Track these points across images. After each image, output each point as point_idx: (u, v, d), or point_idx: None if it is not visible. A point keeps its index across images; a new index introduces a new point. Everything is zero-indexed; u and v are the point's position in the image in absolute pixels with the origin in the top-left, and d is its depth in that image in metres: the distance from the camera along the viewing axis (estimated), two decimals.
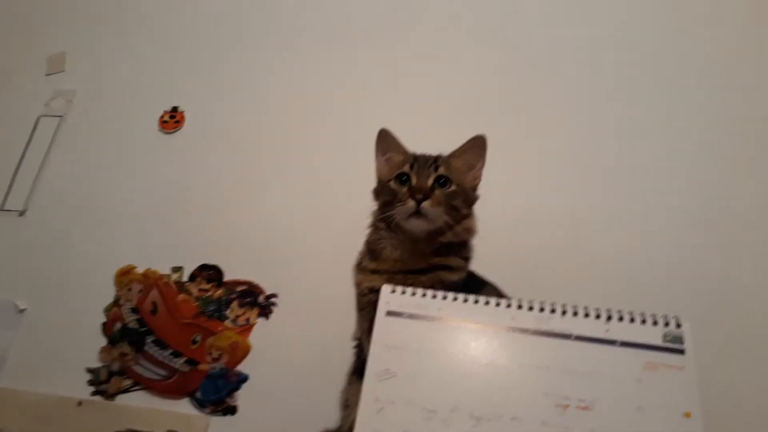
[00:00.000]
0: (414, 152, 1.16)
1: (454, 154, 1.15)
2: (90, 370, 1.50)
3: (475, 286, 1.10)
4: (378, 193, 1.17)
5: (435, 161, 1.12)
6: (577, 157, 1.53)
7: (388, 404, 0.90)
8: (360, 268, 1.14)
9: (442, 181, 1.09)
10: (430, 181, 1.08)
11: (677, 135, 1.51)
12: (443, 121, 1.59)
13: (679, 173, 1.47)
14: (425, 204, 1.04)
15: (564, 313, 0.96)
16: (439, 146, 1.15)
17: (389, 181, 1.13)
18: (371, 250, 1.13)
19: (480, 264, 1.14)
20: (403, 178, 1.10)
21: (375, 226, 1.14)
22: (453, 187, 1.10)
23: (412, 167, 1.10)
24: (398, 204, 1.06)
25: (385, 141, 1.18)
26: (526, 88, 1.65)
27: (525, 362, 0.92)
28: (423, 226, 1.06)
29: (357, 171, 1.52)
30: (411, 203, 1.04)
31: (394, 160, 1.16)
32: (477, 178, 1.16)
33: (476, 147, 1.15)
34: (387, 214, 1.08)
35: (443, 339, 0.95)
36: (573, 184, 1.50)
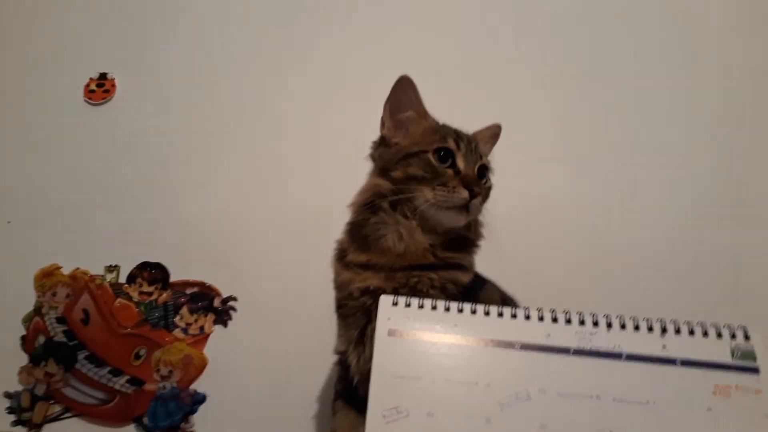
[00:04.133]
0: (444, 123, 0.97)
1: (478, 139, 0.98)
2: (8, 395, 1.27)
3: (474, 284, 0.92)
4: (394, 160, 0.93)
5: (477, 144, 0.94)
6: (593, 143, 1.40)
7: None
8: (344, 263, 0.92)
9: (482, 172, 0.93)
10: (476, 170, 0.91)
11: (703, 119, 1.41)
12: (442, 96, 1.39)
13: (708, 160, 1.36)
14: (476, 200, 0.87)
15: (610, 325, 0.80)
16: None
17: (424, 152, 0.90)
18: (362, 236, 0.91)
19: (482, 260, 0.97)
20: (441, 154, 0.89)
21: (373, 206, 0.90)
22: (490, 182, 0.95)
23: (457, 145, 0.90)
24: (440, 188, 0.86)
25: (407, 93, 0.95)
26: (541, 71, 1.49)
27: (568, 391, 0.75)
28: (462, 221, 0.89)
29: (333, 150, 1.35)
30: (464, 194, 0.85)
31: (421, 125, 0.96)
32: None
33: (495, 137, 1.02)
34: (414, 194, 0.87)
35: (465, 365, 0.77)
36: (587, 173, 1.37)
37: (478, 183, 0.88)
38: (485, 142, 0.99)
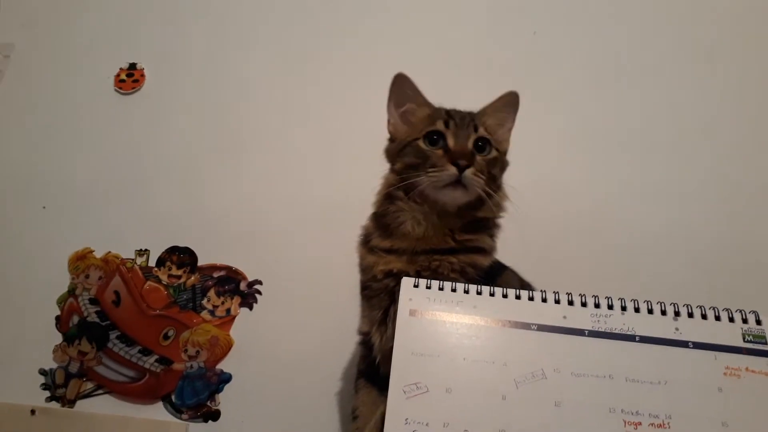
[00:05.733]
0: (442, 106, 0.99)
1: (487, 112, 0.99)
2: (43, 373, 1.31)
3: (494, 270, 0.94)
4: (395, 154, 0.98)
5: (472, 119, 0.95)
6: (610, 130, 1.40)
7: (419, 427, 0.74)
8: (369, 247, 0.96)
9: (481, 145, 0.94)
10: (470, 144, 0.92)
11: (720, 107, 1.40)
12: (453, 78, 1.41)
13: (722, 147, 1.35)
14: (468, 172, 0.88)
15: (624, 308, 0.82)
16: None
17: (415, 140, 0.94)
18: (384, 224, 0.95)
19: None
20: (434, 137, 0.93)
21: (389, 196, 0.95)
22: (493, 153, 0.94)
23: (446, 125, 0.93)
24: (431, 169, 0.89)
25: (403, 89, 0.99)
26: (553, 50, 1.50)
27: (582, 371, 0.77)
28: (460, 197, 0.90)
29: (356, 136, 1.38)
30: (451, 170, 0.88)
31: (418, 115, 0.99)
32: (507, 141, 1.02)
33: (509, 105, 1.01)
34: (412, 180, 0.90)
35: (483, 344, 0.79)
36: (602, 161, 1.36)
37: (466, 155, 0.89)
38: (497, 111, 0.99)
